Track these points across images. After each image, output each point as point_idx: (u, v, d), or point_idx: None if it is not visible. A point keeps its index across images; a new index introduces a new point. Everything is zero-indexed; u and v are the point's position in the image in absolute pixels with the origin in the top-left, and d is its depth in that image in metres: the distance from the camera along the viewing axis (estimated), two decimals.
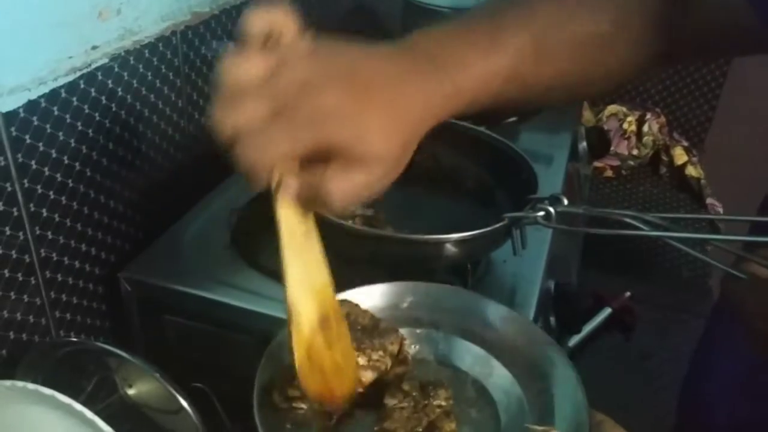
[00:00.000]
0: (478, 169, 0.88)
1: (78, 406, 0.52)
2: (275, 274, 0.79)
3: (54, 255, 0.72)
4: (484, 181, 0.88)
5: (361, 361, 0.56)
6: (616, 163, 1.53)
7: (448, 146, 0.90)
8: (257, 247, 0.83)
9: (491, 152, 0.87)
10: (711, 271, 1.29)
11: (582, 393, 0.54)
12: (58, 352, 0.65)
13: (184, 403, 0.65)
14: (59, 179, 0.70)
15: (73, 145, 0.71)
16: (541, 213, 0.68)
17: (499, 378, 0.60)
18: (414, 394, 0.55)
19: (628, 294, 1.13)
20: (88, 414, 0.52)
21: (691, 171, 1.53)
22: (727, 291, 0.56)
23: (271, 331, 0.74)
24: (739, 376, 0.72)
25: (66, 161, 0.71)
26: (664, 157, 1.58)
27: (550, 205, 0.68)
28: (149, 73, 0.81)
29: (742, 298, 0.54)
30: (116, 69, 0.75)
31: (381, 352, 0.57)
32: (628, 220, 0.65)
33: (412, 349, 0.61)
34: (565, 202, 0.69)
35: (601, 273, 1.17)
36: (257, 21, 0.46)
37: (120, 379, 0.72)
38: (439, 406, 0.55)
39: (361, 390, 0.56)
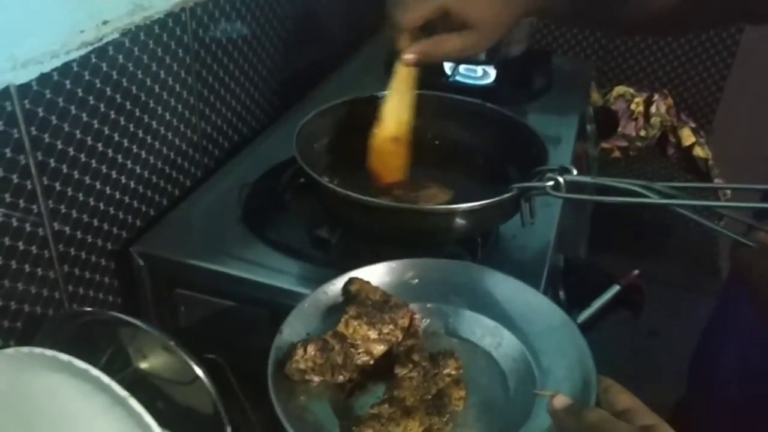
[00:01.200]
0: (488, 145, 0.88)
1: (95, 371, 0.53)
2: (286, 247, 0.80)
3: (67, 229, 0.73)
4: (493, 157, 0.88)
5: (372, 334, 0.57)
6: (623, 144, 1.53)
7: (458, 122, 0.90)
8: (268, 221, 0.84)
9: (501, 127, 0.87)
10: (720, 250, 1.29)
11: (590, 359, 0.55)
12: (73, 323, 0.66)
13: (200, 372, 0.65)
14: (72, 153, 0.71)
15: (85, 119, 0.72)
16: (550, 183, 0.68)
17: (508, 348, 0.60)
18: (424, 364, 0.56)
19: (636, 272, 1.13)
20: (105, 379, 0.53)
21: (699, 152, 1.53)
22: (736, 258, 0.57)
23: (281, 304, 0.75)
24: (748, 343, 0.73)
25: (78, 135, 0.71)
26: (672, 138, 1.57)
27: (559, 174, 0.68)
28: (159, 49, 0.81)
29: (749, 265, 0.55)
30: (127, 44, 0.76)
31: (391, 326, 0.58)
32: (637, 189, 0.65)
33: (422, 323, 0.62)
34: (575, 172, 0.69)
35: (609, 251, 1.17)
36: None
37: (134, 351, 0.72)
38: (449, 375, 0.56)
39: (371, 361, 0.57)
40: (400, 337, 0.58)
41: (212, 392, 0.65)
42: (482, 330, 0.62)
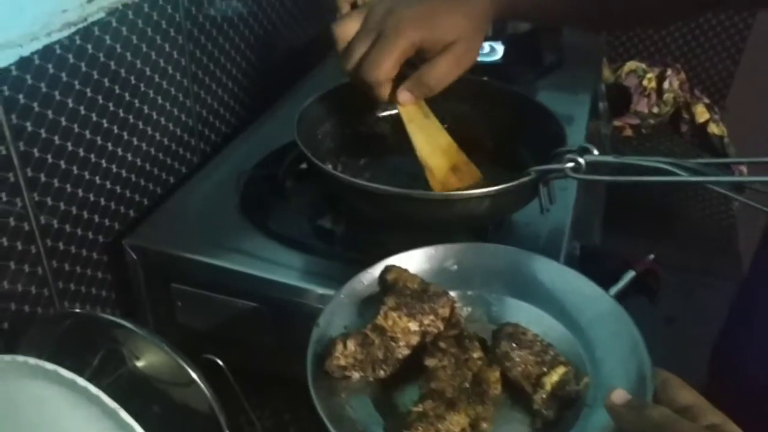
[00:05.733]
0: (497, 126, 0.83)
1: (82, 382, 0.49)
2: (287, 239, 0.76)
3: (55, 222, 0.68)
4: (503, 138, 0.83)
5: (413, 326, 0.54)
6: (635, 121, 1.48)
7: (464, 102, 0.85)
8: (267, 211, 0.79)
9: (511, 107, 0.82)
10: (737, 233, 1.24)
11: (645, 349, 0.51)
12: (62, 325, 0.62)
13: (195, 376, 0.62)
14: (57, 142, 0.66)
15: (70, 105, 0.67)
16: (570, 164, 0.64)
17: (555, 337, 0.57)
18: (452, 350, 0.53)
19: (651, 256, 1.09)
20: (93, 390, 0.49)
21: (714, 129, 1.48)
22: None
23: (283, 299, 0.72)
24: None
25: (64, 123, 0.67)
26: (685, 115, 1.52)
27: (579, 155, 0.64)
28: (149, 29, 0.76)
29: None
30: (114, 24, 0.71)
31: (432, 317, 0.55)
32: (666, 166, 0.61)
33: (464, 311, 0.59)
34: (595, 152, 0.64)
35: (622, 235, 1.12)
36: None
37: (128, 352, 0.69)
38: (480, 358, 0.53)
39: (408, 352, 0.54)
40: (442, 327, 0.55)
41: (209, 396, 0.61)
42: (527, 318, 0.58)
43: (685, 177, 0.60)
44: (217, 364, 0.68)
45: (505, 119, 0.83)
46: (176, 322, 0.76)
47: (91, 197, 0.73)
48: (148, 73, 0.78)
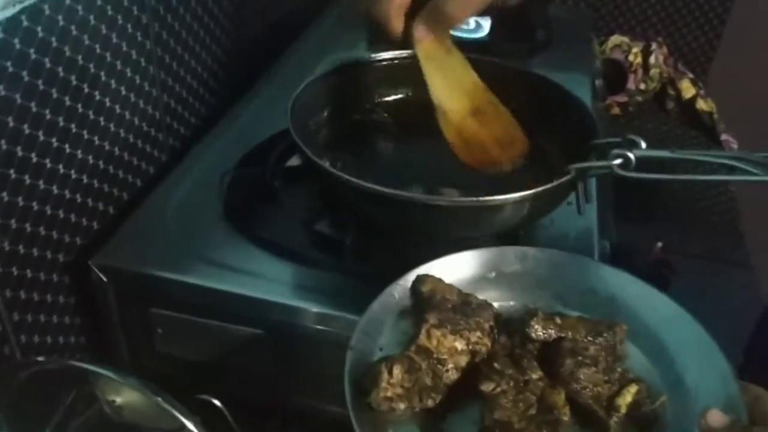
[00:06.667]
0: (515, 116, 0.74)
1: None
2: (280, 248, 0.65)
3: (6, 244, 0.57)
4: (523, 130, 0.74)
5: (459, 345, 0.47)
6: (623, 99, 1.41)
7: None
8: (255, 217, 0.69)
9: (529, 93, 0.73)
10: (740, 215, 1.19)
11: (725, 363, 0.45)
12: (20, 376, 0.51)
13: (189, 425, 0.52)
14: (4, 147, 0.55)
15: (19, 101, 0.55)
16: (618, 161, 0.55)
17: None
18: (509, 371, 0.46)
19: (659, 244, 1.02)
20: None
21: (702, 105, 1.42)
22: None
23: (281, 321, 0.62)
24: None
25: (11, 123, 0.55)
26: (671, 91, 1.46)
27: (628, 150, 0.55)
28: (109, 7, 0.64)
29: None
30: (68, 1, 0.59)
31: (479, 333, 0.48)
32: (729, 162, 0.53)
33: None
34: (643, 144, 0.56)
35: (626, 222, 1.05)
36: None
37: (101, 393, 0.58)
38: (540, 379, 0.47)
39: (457, 376, 0.47)
40: (490, 345, 0.48)
41: None
42: None
43: (759, 176, 0.52)
44: (213, 405, 0.58)
45: (522, 106, 0.73)
46: (156, 351, 0.65)
47: (48, 210, 0.61)
48: (108, 58, 0.66)
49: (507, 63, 0.76)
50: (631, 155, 0.55)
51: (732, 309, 1.02)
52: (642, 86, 1.43)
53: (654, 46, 1.45)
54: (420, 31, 0.59)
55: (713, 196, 1.22)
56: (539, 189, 0.55)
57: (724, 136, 1.37)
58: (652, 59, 1.43)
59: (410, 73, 0.76)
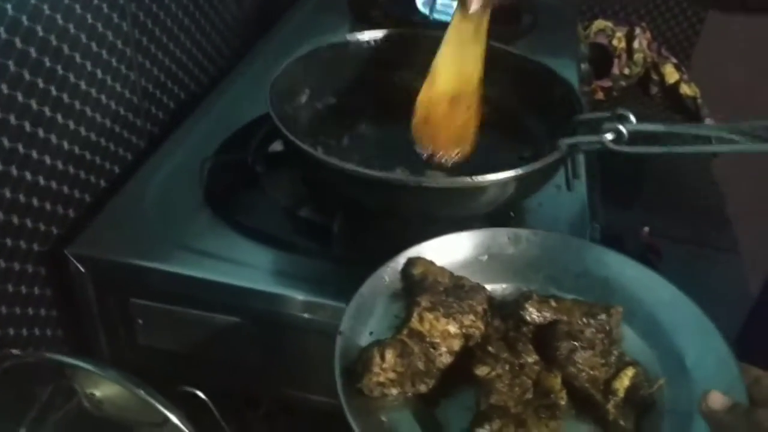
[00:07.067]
0: (499, 93, 0.73)
1: None
2: (263, 235, 0.64)
3: None
4: (507, 107, 0.73)
5: (452, 328, 0.46)
6: (608, 84, 1.40)
7: None
8: (238, 202, 0.67)
9: (514, 72, 0.72)
10: (726, 199, 1.18)
11: (725, 345, 0.45)
12: None
13: (174, 418, 0.50)
14: None
15: None
16: (610, 135, 0.54)
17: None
18: (504, 355, 0.46)
19: (646, 229, 1.01)
20: None
21: (686, 89, 1.41)
22: None
23: (265, 311, 0.60)
24: None
25: None
26: (655, 76, 1.45)
27: (620, 123, 0.54)
28: None
29: None
30: None
31: (472, 316, 0.47)
32: (721, 134, 0.53)
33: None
34: (633, 119, 0.55)
35: (609, 206, 1.05)
36: None
37: (79, 387, 0.56)
38: (536, 363, 0.46)
39: (450, 360, 0.46)
40: (483, 328, 0.47)
41: None
42: None
43: (749, 146, 0.51)
44: (197, 397, 0.56)
45: (507, 85, 0.73)
46: (137, 343, 0.63)
47: (21, 198, 0.59)
48: (83, 40, 0.63)
49: (494, 44, 0.75)
50: (623, 129, 0.54)
51: (718, 294, 1.01)
52: (626, 71, 1.42)
53: (638, 30, 1.44)
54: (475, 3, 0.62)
55: (698, 180, 1.21)
56: (530, 166, 0.54)
57: (708, 120, 1.37)
58: (636, 44, 1.42)
59: (390, 55, 0.75)
